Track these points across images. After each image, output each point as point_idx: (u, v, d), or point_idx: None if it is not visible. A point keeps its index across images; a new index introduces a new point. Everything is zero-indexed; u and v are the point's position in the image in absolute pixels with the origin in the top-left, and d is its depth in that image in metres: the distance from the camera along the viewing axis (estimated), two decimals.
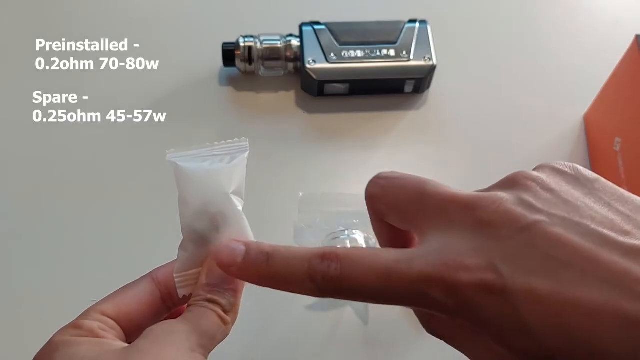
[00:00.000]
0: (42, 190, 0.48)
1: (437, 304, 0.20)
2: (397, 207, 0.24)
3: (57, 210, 0.47)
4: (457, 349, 0.23)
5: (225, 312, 0.25)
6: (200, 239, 0.26)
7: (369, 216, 0.26)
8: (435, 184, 0.23)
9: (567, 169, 0.22)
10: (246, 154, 0.27)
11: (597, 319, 0.17)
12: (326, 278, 0.22)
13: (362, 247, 0.24)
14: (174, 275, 0.26)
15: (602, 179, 0.21)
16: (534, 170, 0.23)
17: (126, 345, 0.23)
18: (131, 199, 0.48)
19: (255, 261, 0.23)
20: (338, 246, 0.43)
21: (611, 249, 0.18)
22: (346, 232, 0.43)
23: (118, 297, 0.25)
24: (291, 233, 0.46)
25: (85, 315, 0.24)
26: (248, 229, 0.26)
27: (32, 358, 0.23)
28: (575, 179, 0.21)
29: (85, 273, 0.44)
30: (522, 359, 0.19)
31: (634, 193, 0.45)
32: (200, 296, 0.25)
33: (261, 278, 0.23)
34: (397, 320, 0.43)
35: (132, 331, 0.25)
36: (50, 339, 0.23)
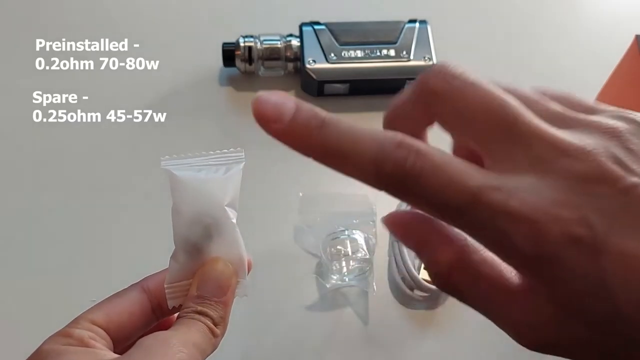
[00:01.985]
0: (42, 190, 0.48)
1: (512, 246, 0.18)
2: (472, 122, 0.20)
3: (57, 210, 0.47)
4: (477, 309, 0.20)
5: (215, 324, 0.25)
6: (192, 250, 0.26)
7: (412, 103, 0.22)
8: (524, 109, 0.20)
9: (633, 116, 0.20)
10: (242, 165, 0.27)
11: None
12: (398, 170, 0.18)
13: (446, 153, 0.19)
14: (165, 286, 0.26)
15: None
16: (603, 115, 0.21)
17: (116, 356, 0.23)
18: (131, 199, 0.48)
19: (308, 124, 0.19)
20: (338, 247, 0.43)
21: None
22: (346, 232, 0.43)
23: (108, 306, 0.25)
24: (291, 233, 0.46)
25: (75, 323, 0.24)
26: (241, 242, 0.27)
27: None
28: None
29: (83, 273, 0.44)
30: (581, 323, 0.18)
31: None
32: (190, 308, 0.25)
33: (311, 145, 0.20)
34: (397, 320, 0.43)
35: (120, 340, 0.25)
36: (39, 347, 0.23)
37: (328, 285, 0.43)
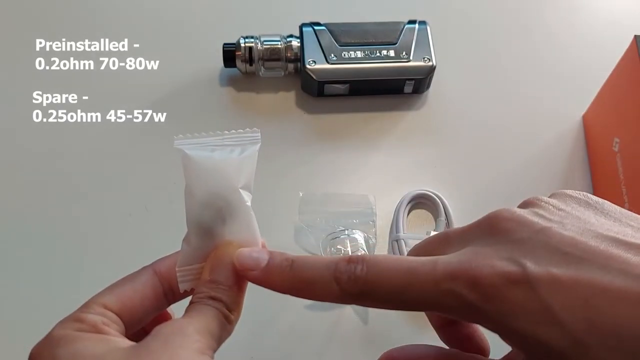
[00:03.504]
0: (42, 191, 0.48)
1: (461, 300, 0.20)
2: (427, 253, 0.24)
3: (57, 211, 0.47)
4: None
5: (229, 310, 0.24)
6: (205, 232, 0.25)
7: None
8: (457, 228, 0.24)
9: (577, 194, 0.23)
10: (257, 146, 0.26)
11: (622, 303, 0.17)
12: (352, 278, 0.22)
13: (389, 254, 0.25)
14: (176, 269, 0.25)
15: (610, 203, 0.23)
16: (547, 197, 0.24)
17: (132, 343, 0.22)
18: (131, 199, 0.48)
19: (280, 266, 0.24)
20: (338, 246, 0.43)
21: (625, 249, 0.19)
22: (346, 232, 0.44)
23: (121, 289, 0.24)
24: (291, 233, 0.46)
25: (86, 307, 0.23)
26: (255, 226, 0.26)
27: (30, 352, 0.22)
28: (586, 202, 0.23)
29: (84, 272, 0.44)
30: (539, 354, 0.19)
31: (632, 193, 0.45)
32: (204, 293, 0.24)
33: (284, 282, 0.24)
34: (397, 320, 0.43)
35: (132, 324, 0.24)
36: (50, 332, 0.22)
37: None
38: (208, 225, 0.25)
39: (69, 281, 0.44)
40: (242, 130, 0.26)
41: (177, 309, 0.27)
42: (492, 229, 0.21)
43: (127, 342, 0.22)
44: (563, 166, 0.51)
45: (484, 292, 0.19)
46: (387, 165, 0.51)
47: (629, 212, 0.22)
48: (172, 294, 0.26)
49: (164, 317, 0.28)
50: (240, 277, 0.25)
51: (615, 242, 0.19)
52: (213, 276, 0.25)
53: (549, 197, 0.24)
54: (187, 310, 0.24)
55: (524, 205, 0.23)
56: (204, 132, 0.26)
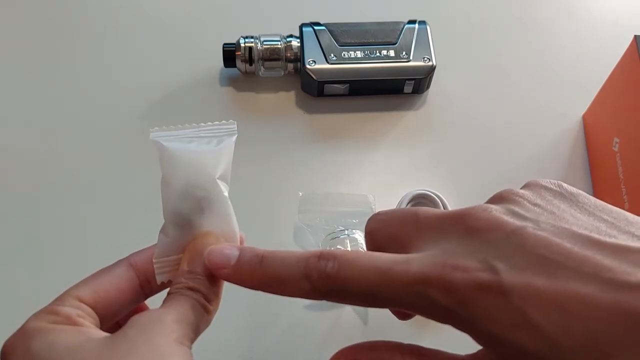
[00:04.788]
0: (42, 191, 0.48)
1: (434, 303, 0.20)
2: (394, 235, 0.24)
3: (57, 211, 0.47)
4: None
5: (207, 300, 0.24)
6: (182, 223, 0.25)
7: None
8: (427, 209, 0.24)
9: (552, 185, 0.23)
10: (234, 138, 0.26)
11: (596, 310, 0.18)
12: (322, 276, 0.22)
13: (359, 250, 0.23)
14: (154, 261, 0.25)
15: (585, 194, 0.22)
16: (521, 188, 0.23)
17: (106, 334, 0.22)
18: (131, 200, 0.48)
19: (249, 262, 0.23)
20: (337, 246, 0.43)
21: (597, 250, 0.19)
22: (346, 232, 0.44)
23: (95, 282, 0.24)
24: (291, 233, 0.46)
25: (61, 300, 0.23)
26: (233, 216, 0.26)
27: (2, 345, 0.22)
28: (560, 194, 0.22)
29: (84, 272, 0.44)
30: (513, 357, 0.19)
31: (632, 193, 0.45)
32: (182, 283, 0.24)
33: (254, 279, 0.23)
34: (396, 319, 0.43)
35: (107, 318, 0.24)
36: (24, 325, 0.22)
37: None
38: (186, 216, 0.25)
39: (68, 281, 0.43)
40: (218, 122, 0.26)
41: (156, 302, 0.27)
42: (466, 228, 0.21)
43: (103, 333, 0.22)
44: (563, 166, 0.51)
45: (457, 297, 0.19)
46: (387, 165, 0.51)
47: (603, 204, 0.21)
48: (148, 287, 0.26)
49: (140, 311, 0.27)
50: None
51: (588, 242, 0.19)
52: (191, 267, 0.24)
53: (522, 187, 0.23)
54: (164, 301, 0.24)
55: (498, 199, 0.22)
56: (180, 125, 0.26)
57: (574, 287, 0.18)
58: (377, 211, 0.26)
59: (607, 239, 0.19)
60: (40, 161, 0.50)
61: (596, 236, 0.19)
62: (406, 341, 0.28)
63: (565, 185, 0.23)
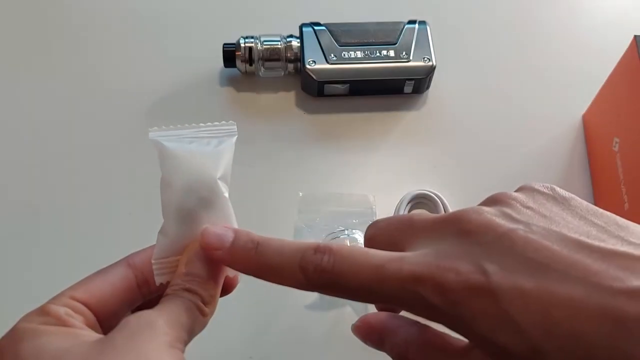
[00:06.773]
0: (42, 191, 0.48)
1: (425, 302, 0.20)
2: (391, 240, 0.24)
3: (57, 211, 0.47)
4: None
5: (204, 303, 0.24)
6: (182, 224, 0.25)
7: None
8: (422, 213, 0.24)
9: (544, 189, 0.23)
10: (234, 139, 0.26)
11: (581, 314, 0.18)
12: (317, 270, 0.22)
13: (356, 246, 0.24)
14: (152, 262, 0.25)
15: (577, 198, 0.23)
16: (515, 191, 0.24)
17: (98, 336, 0.22)
18: (131, 200, 0.48)
19: (244, 247, 0.23)
20: (343, 237, 0.43)
21: (586, 253, 0.19)
22: (346, 232, 0.44)
23: (91, 281, 0.24)
24: (291, 233, 0.46)
25: (53, 299, 0.23)
26: (233, 218, 0.26)
27: None
28: (553, 198, 0.23)
29: (83, 271, 0.44)
30: (499, 356, 0.20)
31: (632, 193, 0.45)
32: (179, 285, 0.24)
33: (249, 265, 0.23)
34: None
35: (105, 317, 0.24)
36: (15, 325, 0.22)
37: None
38: (185, 217, 0.25)
39: (68, 281, 0.43)
40: (217, 123, 0.26)
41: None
42: (459, 230, 0.21)
43: (94, 336, 0.22)
44: (563, 166, 0.51)
45: (448, 298, 0.20)
46: (387, 165, 0.51)
47: (595, 208, 0.22)
48: (147, 287, 0.25)
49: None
50: (217, 270, 0.25)
51: (578, 245, 0.19)
52: (189, 268, 0.24)
53: (516, 191, 0.24)
54: (160, 302, 0.24)
55: (492, 202, 0.23)
56: (179, 125, 0.26)
57: (560, 289, 0.18)
58: (376, 218, 0.26)
59: (597, 243, 0.19)
60: (40, 161, 0.50)
61: (586, 240, 0.20)
62: None
63: (557, 189, 0.23)
